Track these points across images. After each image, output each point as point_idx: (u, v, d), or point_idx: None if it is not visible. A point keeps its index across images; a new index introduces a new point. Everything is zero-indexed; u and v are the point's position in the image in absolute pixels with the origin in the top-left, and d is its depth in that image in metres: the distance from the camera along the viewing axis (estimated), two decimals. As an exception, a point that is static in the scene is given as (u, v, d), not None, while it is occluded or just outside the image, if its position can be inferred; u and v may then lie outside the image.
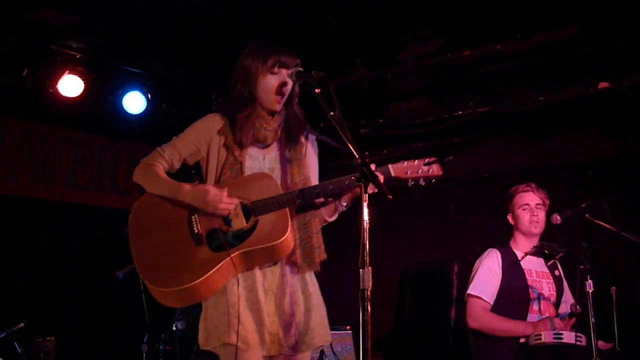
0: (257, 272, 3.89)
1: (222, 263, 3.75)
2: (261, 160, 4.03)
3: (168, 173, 4.04)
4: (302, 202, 3.88)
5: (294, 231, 3.92)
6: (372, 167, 3.67)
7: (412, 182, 3.90)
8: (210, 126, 4.05)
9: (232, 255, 3.75)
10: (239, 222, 3.83)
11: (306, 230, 3.95)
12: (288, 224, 3.79)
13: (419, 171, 3.87)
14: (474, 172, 8.12)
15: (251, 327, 3.81)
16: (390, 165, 3.89)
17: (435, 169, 3.91)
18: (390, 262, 8.09)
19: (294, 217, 3.93)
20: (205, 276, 3.73)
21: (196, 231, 3.85)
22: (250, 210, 3.84)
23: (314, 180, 4.11)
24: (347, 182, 3.80)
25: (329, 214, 4.05)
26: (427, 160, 3.89)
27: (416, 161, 3.92)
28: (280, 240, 3.76)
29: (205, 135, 4.03)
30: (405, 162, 3.92)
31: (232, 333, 3.74)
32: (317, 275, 4.04)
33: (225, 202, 3.79)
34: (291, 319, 3.90)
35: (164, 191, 3.95)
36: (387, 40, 7.53)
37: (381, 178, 3.75)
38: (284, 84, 3.94)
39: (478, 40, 7.13)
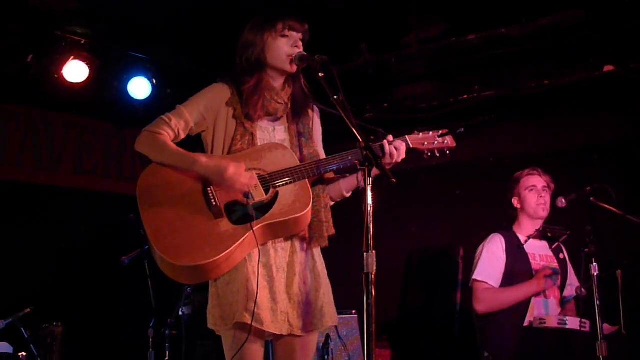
0: (270, 247, 3.82)
1: (245, 236, 3.64)
2: (272, 132, 3.99)
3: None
4: (321, 173, 3.85)
5: None
6: (390, 137, 3.74)
7: (429, 154, 3.90)
8: (218, 96, 3.96)
9: (255, 228, 3.65)
10: (259, 194, 3.73)
11: (315, 204, 3.86)
12: (310, 195, 3.75)
13: (435, 142, 3.91)
14: (479, 156, 8.11)
15: (265, 305, 3.72)
16: (407, 137, 3.91)
17: (449, 141, 3.97)
18: (396, 246, 8.11)
19: None
20: (228, 250, 3.61)
21: (214, 203, 3.72)
22: (268, 182, 3.77)
23: (322, 153, 4.08)
24: (364, 153, 3.56)
25: (347, 188, 4.01)
26: (440, 132, 3.94)
27: (431, 132, 3.96)
28: (305, 212, 3.72)
29: (213, 105, 3.93)
30: (421, 134, 3.96)
31: (246, 312, 3.64)
32: (323, 258, 4.03)
33: (246, 178, 3.69)
34: (300, 298, 3.84)
35: (176, 161, 3.81)
36: (391, 24, 7.51)
37: (404, 146, 3.82)
38: (296, 46, 3.90)
39: (483, 24, 7.10)
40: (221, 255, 3.60)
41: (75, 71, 7.57)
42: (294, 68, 3.92)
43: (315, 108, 4.15)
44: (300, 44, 3.92)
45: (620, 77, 6.91)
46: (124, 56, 8.01)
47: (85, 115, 8.99)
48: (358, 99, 8.24)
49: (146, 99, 8.14)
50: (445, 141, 3.95)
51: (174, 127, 3.87)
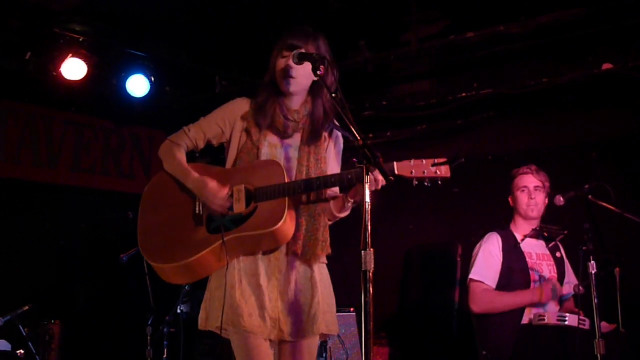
0: (260, 257, 3.93)
1: (214, 245, 3.84)
2: (279, 149, 4.06)
3: (193, 152, 4.15)
4: (303, 192, 3.90)
5: (302, 222, 3.95)
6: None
7: (417, 182, 3.83)
8: (236, 110, 4.12)
9: (226, 239, 3.83)
10: (239, 207, 3.87)
11: (314, 222, 3.96)
12: (284, 212, 3.79)
13: (425, 171, 3.75)
14: (478, 153, 8.10)
15: (247, 311, 3.85)
16: (395, 163, 3.80)
17: (444, 171, 3.79)
18: (394, 244, 8.11)
19: (303, 209, 3.97)
20: (197, 255, 3.85)
21: (197, 212, 3.97)
22: (252, 196, 3.87)
23: None
24: (349, 176, 3.75)
25: (337, 209, 4.04)
26: (436, 160, 3.76)
27: (424, 161, 3.79)
28: (273, 228, 3.78)
29: (230, 118, 4.11)
30: (413, 161, 3.79)
31: (223, 316, 3.83)
32: (329, 254, 4.05)
33: (219, 200, 3.88)
34: (293, 306, 3.93)
35: (175, 172, 4.06)
36: (390, 22, 7.51)
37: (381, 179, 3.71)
38: (288, 65, 3.94)
39: (481, 22, 7.09)
40: (190, 259, 3.86)
41: (74, 68, 7.57)
42: (287, 88, 3.99)
43: (336, 132, 4.17)
44: (292, 61, 3.91)
45: (618, 74, 6.91)
46: (122, 54, 8.01)
47: (84, 113, 8.98)
48: (357, 97, 8.24)
49: (144, 96, 8.15)
50: (438, 171, 3.78)
51: (192, 138, 4.10)
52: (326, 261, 4.08)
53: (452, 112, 7.95)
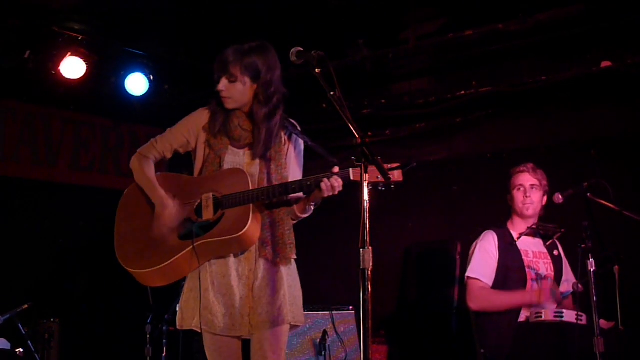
0: (231, 259, 4.16)
1: (185, 251, 4.06)
2: (241, 156, 4.26)
3: (162, 161, 4.38)
4: (266, 199, 4.09)
5: (268, 228, 4.16)
6: (336, 169, 3.90)
7: (370, 187, 3.85)
8: (197, 120, 4.33)
9: (195, 244, 4.04)
10: (207, 214, 4.10)
11: (278, 227, 4.19)
12: (248, 219, 3.99)
13: (378, 176, 3.74)
14: (476, 151, 8.12)
15: (220, 312, 4.10)
16: (351, 169, 3.94)
17: (396, 175, 3.89)
18: (393, 242, 8.11)
19: (268, 215, 4.18)
20: (170, 261, 4.09)
21: None
22: (219, 204, 4.10)
23: (293, 179, 4.25)
24: (308, 183, 4.00)
25: (300, 211, 4.24)
26: (389, 165, 3.82)
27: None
28: (239, 234, 4.00)
29: (193, 128, 4.32)
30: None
31: (200, 318, 4.10)
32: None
33: (169, 227, 4.13)
34: (260, 300, 4.13)
35: (144, 185, 4.29)
36: (389, 20, 7.51)
37: (340, 182, 3.93)
38: (219, 89, 4.20)
39: (480, 20, 7.09)
40: (162, 264, 4.11)
41: (73, 67, 7.57)
42: (226, 107, 4.23)
43: (295, 137, 4.35)
44: (222, 83, 4.19)
45: (617, 72, 6.91)
46: (121, 52, 8.00)
47: (83, 111, 8.98)
48: (355, 95, 8.24)
49: (143, 95, 8.16)
50: (391, 175, 3.78)
51: (160, 150, 4.34)
52: (291, 264, 4.28)
53: (451, 110, 7.95)
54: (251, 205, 4.03)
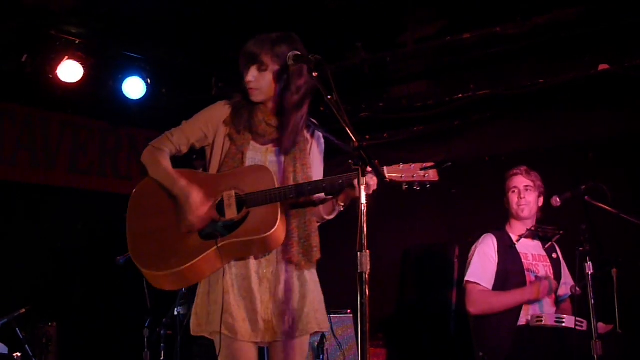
0: (252, 261, 3.95)
1: (208, 252, 3.84)
2: (263, 153, 4.07)
3: (176, 156, 4.13)
4: (294, 198, 3.92)
5: (293, 229, 3.97)
6: (368, 169, 3.64)
7: (406, 186, 3.85)
8: (217, 114, 4.12)
9: (219, 245, 3.83)
10: (231, 213, 3.88)
11: (305, 229, 4.00)
12: (277, 218, 3.80)
13: (414, 175, 3.80)
14: (475, 154, 8.12)
15: (241, 316, 3.89)
16: (385, 168, 3.84)
17: (432, 174, 3.84)
18: (391, 245, 8.11)
19: (294, 215, 3.99)
20: (191, 263, 3.84)
21: None
22: (243, 202, 3.88)
23: (317, 178, 4.11)
24: (340, 181, 3.82)
25: (327, 212, 4.07)
26: (424, 165, 3.82)
27: (412, 165, 3.86)
28: (267, 234, 3.79)
29: (213, 122, 4.10)
30: (402, 165, 3.86)
31: (220, 322, 3.85)
32: (320, 259, 4.05)
33: (202, 212, 3.88)
34: (285, 306, 3.95)
35: (162, 179, 4.04)
36: (387, 23, 7.51)
37: (375, 181, 3.77)
38: (247, 80, 4.04)
39: (478, 23, 7.10)
40: (184, 266, 3.85)
41: (70, 71, 7.56)
42: (252, 99, 4.04)
43: (317, 133, 4.20)
44: (251, 74, 4.02)
45: (615, 75, 6.91)
46: (118, 56, 8.01)
47: (81, 115, 8.97)
48: (354, 98, 8.24)
49: (141, 98, 8.16)
50: (427, 175, 3.84)
51: (175, 143, 4.10)
52: (315, 267, 4.11)
53: (449, 113, 7.96)
54: (279, 204, 3.84)
